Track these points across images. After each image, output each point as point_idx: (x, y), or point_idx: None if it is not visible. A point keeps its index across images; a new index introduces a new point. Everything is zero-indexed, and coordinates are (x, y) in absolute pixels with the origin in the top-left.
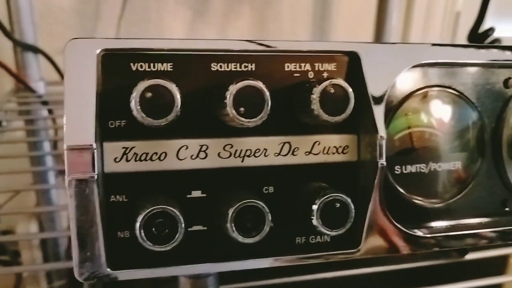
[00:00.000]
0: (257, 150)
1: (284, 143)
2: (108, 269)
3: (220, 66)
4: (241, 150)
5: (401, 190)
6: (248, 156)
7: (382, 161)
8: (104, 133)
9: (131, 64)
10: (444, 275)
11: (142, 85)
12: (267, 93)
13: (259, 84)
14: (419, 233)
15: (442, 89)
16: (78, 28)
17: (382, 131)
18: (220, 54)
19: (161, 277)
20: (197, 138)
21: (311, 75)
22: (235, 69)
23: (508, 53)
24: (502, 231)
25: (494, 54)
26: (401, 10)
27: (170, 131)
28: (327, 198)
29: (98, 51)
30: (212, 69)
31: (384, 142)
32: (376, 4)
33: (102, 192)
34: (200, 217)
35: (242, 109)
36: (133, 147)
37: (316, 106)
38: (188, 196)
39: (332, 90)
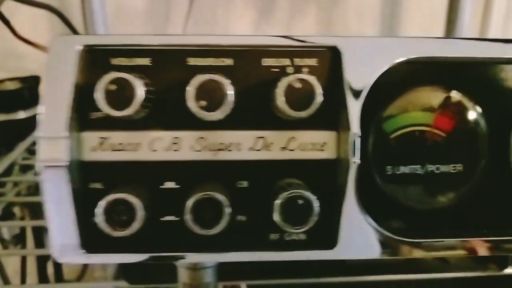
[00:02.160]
0: (230, 144)
1: (259, 138)
2: (83, 252)
3: (197, 61)
4: (214, 144)
5: (390, 192)
6: (221, 150)
7: (355, 159)
8: (83, 124)
9: (111, 59)
10: None
11: (107, 78)
12: (229, 87)
13: (220, 78)
14: (402, 237)
15: (443, 86)
16: (149, 29)
17: (355, 127)
18: (197, 50)
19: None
20: (170, 130)
21: (290, 70)
22: (212, 64)
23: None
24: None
25: (500, 49)
26: (479, 6)
27: (144, 123)
28: (289, 194)
29: (79, 47)
30: (188, 63)
31: (358, 139)
32: (447, 1)
33: (81, 179)
34: (174, 208)
35: (203, 102)
36: (109, 137)
37: (280, 100)
38: (161, 187)
39: (298, 85)
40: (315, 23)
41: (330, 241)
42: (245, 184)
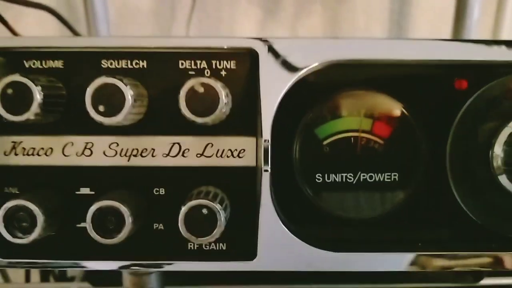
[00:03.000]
0: (144, 150)
1: (174, 143)
2: None
3: (111, 64)
4: (127, 149)
5: (318, 201)
6: (135, 155)
7: (266, 168)
8: None
9: (25, 61)
10: None
11: (4, 82)
12: (128, 91)
13: (117, 82)
14: (327, 249)
15: (377, 90)
16: (154, 28)
17: (267, 134)
18: (111, 52)
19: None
20: (83, 135)
21: (207, 73)
22: (126, 67)
23: (453, 47)
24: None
25: (436, 50)
26: (492, 2)
27: (56, 127)
28: (193, 203)
29: None
30: (103, 66)
31: (268, 146)
32: None
33: None
34: None
35: (101, 107)
36: (21, 142)
37: (182, 105)
38: (77, 192)
39: (201, 90)
40: (321, 21)
41: (249, 252)
42: (162, 191)
